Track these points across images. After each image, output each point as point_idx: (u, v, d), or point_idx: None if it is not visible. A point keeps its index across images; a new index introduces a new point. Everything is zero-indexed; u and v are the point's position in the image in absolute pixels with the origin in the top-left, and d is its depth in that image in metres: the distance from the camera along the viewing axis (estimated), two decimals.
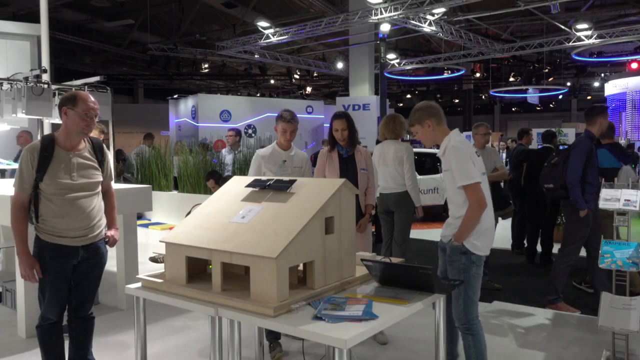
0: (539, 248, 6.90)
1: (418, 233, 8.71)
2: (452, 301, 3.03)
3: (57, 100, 5.60)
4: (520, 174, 6.90)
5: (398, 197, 4.70)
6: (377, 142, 5.45)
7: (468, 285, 2.96)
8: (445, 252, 3.11)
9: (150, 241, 6.32)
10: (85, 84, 5.69)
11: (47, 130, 6.31)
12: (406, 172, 4.66)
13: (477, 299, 3.02)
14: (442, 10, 12.21)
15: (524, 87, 21.39)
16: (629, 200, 3.46)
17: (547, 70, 20.55)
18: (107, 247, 3.23)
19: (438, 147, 3.14)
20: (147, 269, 3.03)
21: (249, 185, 2.66)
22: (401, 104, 31.41)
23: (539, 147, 6.97)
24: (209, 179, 6.06)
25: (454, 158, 2.91)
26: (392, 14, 11.90)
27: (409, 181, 4.66)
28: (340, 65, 19.59)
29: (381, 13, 12.03)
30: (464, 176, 2.88)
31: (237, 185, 2.75)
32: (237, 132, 7.80)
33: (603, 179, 5.47)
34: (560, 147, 8.03)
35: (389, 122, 4.81)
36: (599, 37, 14.53)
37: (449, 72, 20.69)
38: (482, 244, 2.96)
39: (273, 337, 3.81)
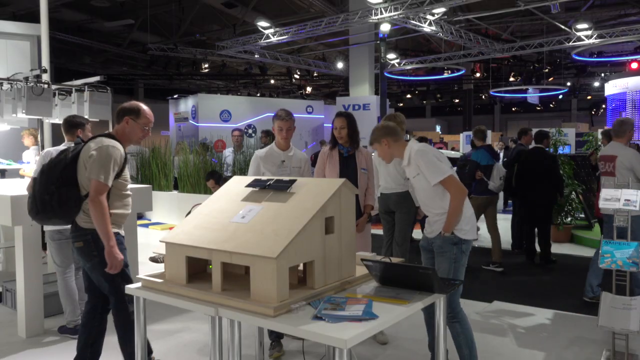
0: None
1: (418, 233, 8.70)
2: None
3: (57, 100, 5.62)
4: (512, 174, 6.91)
5: (399, 197, 4.70)
6: None
7: (458, 273, 3.12)
8: (428, 251, 3.28)
9: (150, 241, 6.32)
10: (85, 84, 5.69)
11: (47, 130, 6.32)
12: None
13: (461, 288, 3.19)
14: (442, 10, 12.20)
15: (524, 87, 21.39)
16: (629, 200, 3.46)
17: (547, 70, 20.53)
18: None
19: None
20: (147, 269, 3.03)
21: (249, 185, 2.65)
22: (401, 104, 31.43)
23: (531, 147, 6.97)
24: (209, 179, 6.05)
25: (422, 160, 3.09)
26: (392, 14, 11.90)
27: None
28: (340, 65, 19.59)
29: (381, 13, 12.03)
30: (436, 173, 3.06)
31: (237, 185, 2.75)
32: (242, 132, 7.84)
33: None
34: (560, 148, 8.02)
35: (383, 122, 4.80)
36: (599, 37, 14.53)
37: (449, 72, 20.68)
38: (469, 227, 3.12)
39: (275, 336, 3.81)
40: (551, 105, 31.15)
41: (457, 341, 3.17)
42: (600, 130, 8.30)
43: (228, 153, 7.74)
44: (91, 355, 3.33)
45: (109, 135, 3.17)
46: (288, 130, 3.85)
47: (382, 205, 4.79)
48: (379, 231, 4.99)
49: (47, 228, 4.12)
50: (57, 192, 3.00)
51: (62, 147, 4.26)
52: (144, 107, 3.22)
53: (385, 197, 4.77)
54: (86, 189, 3.05)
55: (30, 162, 6.21)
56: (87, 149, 3.07)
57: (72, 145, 4.19)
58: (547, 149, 6.96)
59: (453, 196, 3.04)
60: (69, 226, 4.05)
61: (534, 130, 7.27)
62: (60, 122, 5.14)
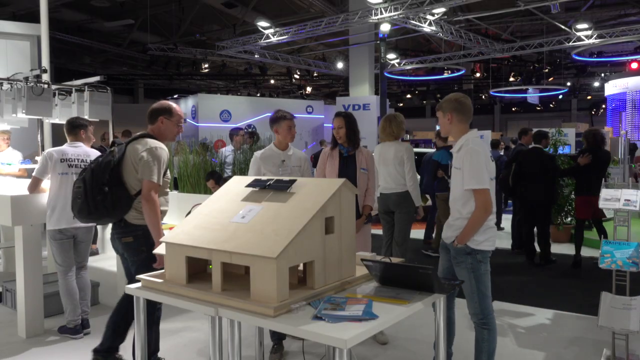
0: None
1: (418, 233, 8.70)
2: (466, 299, 3.11)
3: (57, 100, 5.61)
4: (509, 174, 6.90)
5: (398, 197, 4.70)
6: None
7: (479, 282, 3.02)
8: (449, 252, 3.15)
9: None
10: (85, 84, 5.68)
11: (47, 130, 6.31)
12: (407, 172, 4.67)
13: (489, 294, 3.08)
14: (442, 10, 12.21)
15: (524, 87, 21.38)
16: (629, 200, 3.46)
17: (547, 70, 20.54)
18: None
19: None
20: None
21: (249, 185, 2.65)
22: (401, 104, 31.43)
23: (531, 147, 6.96)
24: (209, 179, 6.05)
25: (470, 160, 2.93)
26: (392, 14, 11.90)
27: (410, 181, 4.67)
28: (340, 65, 19.59)
29: (381, 13, 12.03)
30: (474, 180, 2.91)
31: (237, 185, 2.75)
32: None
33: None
34: (560, 148, 8.02)
35: (386, 125, 4.80)
36: (599, 37, 14.53)
37: (449, 72, 20.68)
38: (484, 238, 2.99)
39: (277, 337, 3.79)
40: (551, 105, 31.13)
41: (479, 345, 3.08)
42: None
43: (228, 152, 7.72)
44: (119, 341, 3.49)
45: (149, 136, 3.29)
46: (294, 127, 3.92)
47: (382, 205, 4.79)
48: (379, 231, 4.99)
49: (48, 228, 4.12)
50: (109, 193, 3.08)
51: (64, 147, 4.26)
52: (174, 105, 3.42)
53: (384, 197, 4.77)
54: (135, 189, 3.18)
55: (14, 163, 6.24)
56: (135, 151, 3.18)
57: (83, 144, 4.29)
58: (545, 149, 6.95)
59: (477, 210, 2.92)
60: (69, 226, 4.09)
61: (535, 130, 7.27)
62: (61, 122, 5.15)
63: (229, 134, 8.59)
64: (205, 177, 6.51)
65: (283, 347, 3.81)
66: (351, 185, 2.51)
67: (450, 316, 3.29)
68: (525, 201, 6.84)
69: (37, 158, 5.52)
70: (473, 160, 2.92)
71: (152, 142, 3.23)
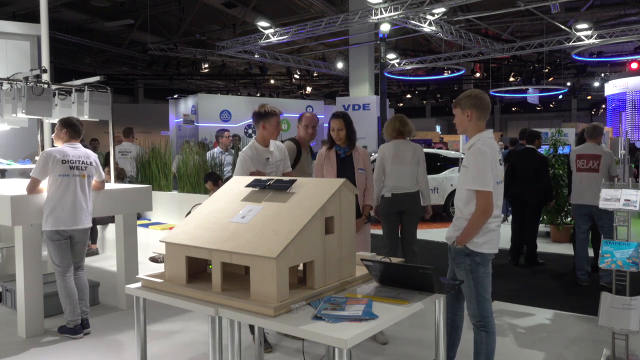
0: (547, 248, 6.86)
1: (418, 233, 8.68)
2: (465, 300, 3.11)
3: (57, 100, 5.62)
4: None
5: (412, 196, 4.72)
6: (381, 141, 5.48)
7: (478, 284, 3.00)
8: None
9: (150, 241, 6.32)
10: (85, 84, 5.67)
11: (47, 130, 6.31)
12: (421, 172, 4.74)
13: (489, 297, 3.07)
14: (442, 10, 12.20)
15: (524, 87, 21.38)
16: (629, 200, 3.46)
17: (547, 70, 20.54)
18: None
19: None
20: (147, 269, 3.04)
21: (249, 185, 2.66)
22: (401, 104, 31.42)
23: (524, 147, 6.93)
24: (207, 180, 6.06)
25: (475, 160, 2.90)
26: (392, 14, 11.90)
27: (423, 182, 4.73)
28: (340, 65, 19.59)
29: (381, 13, 12.03)
30: (478, 181, 2.88)
31: (237, 185, 2.75)
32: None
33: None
34: (560, 148, 8.01)
35: (395, 120, 4.81)
36: (599, 37, 14.53)
37: (449, 72, 20.68)
38: (484, 241, 2.96)
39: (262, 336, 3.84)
40: (551, 105, 31.13)
41: (477, 347, 3.08)
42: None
43: (217, 153, 7.69)
44: None
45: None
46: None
47: (392, 206, 4.72)
48: (379, 231, 4.98)
49: (44, 228, 4.12)
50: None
51: (64, 148, 4.25)
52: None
53: (396, 197, 4.69)
54: None
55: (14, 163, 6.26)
56: None
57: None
58: (538, 149, 6.91)
59: (476, 211, 2.89)
60: (67, 228, 4.10)
61: (527, 131, 7.24)
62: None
63: (215, 136, 8.58)
64: (204, 178, 6.53)
65: (269, 343, 3.87)
66: (351, 185, 2.51)
67: (456, 321, 3.29)
68: (516, 201, 6.82)
69: (36, 158, 5.52)
70: (479, 161, 2.88)
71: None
